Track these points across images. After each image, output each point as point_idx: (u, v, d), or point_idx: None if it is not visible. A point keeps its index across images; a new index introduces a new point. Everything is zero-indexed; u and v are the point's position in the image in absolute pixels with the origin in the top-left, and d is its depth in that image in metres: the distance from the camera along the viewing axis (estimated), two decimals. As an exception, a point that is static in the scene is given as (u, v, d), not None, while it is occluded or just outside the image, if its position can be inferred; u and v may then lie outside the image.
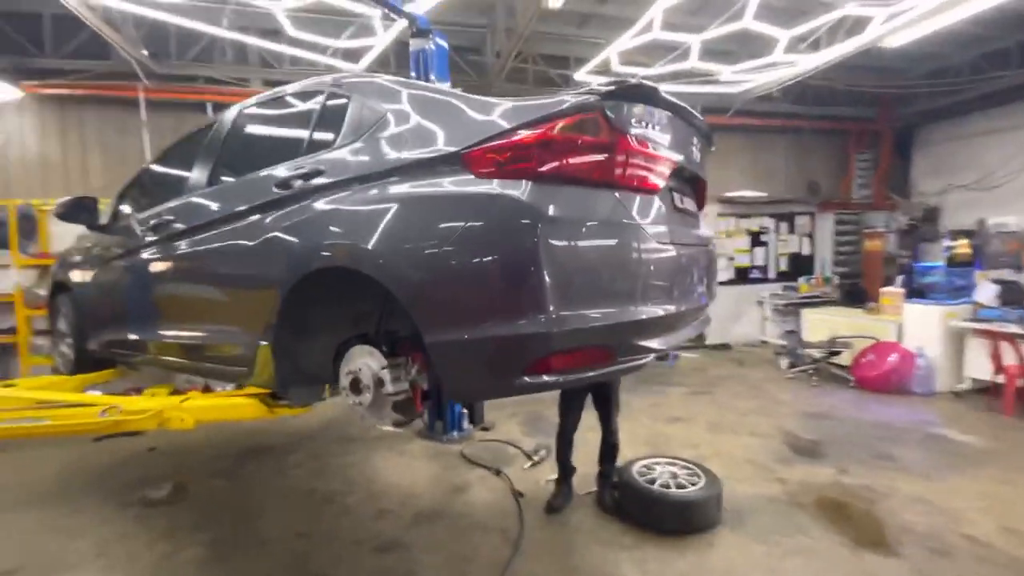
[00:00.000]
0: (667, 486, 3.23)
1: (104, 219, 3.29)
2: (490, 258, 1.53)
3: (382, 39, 5.39)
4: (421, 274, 1.63)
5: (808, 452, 4.27)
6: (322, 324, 2.15)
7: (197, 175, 2.64)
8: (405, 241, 1.67)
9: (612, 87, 1.64)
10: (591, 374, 1.60)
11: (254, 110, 2.62)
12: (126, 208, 3.22)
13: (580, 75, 6.61)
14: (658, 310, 1.73)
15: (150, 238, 2.77)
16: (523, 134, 1.58)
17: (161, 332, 2.79)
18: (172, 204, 2.71)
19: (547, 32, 6.75)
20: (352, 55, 5.94)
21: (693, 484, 3.25)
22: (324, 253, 1.88)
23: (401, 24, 5.08)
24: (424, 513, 3.45)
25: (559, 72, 7.22)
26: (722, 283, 8.96)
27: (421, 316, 1.62)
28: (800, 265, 9.43)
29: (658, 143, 1.84)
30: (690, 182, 2.34)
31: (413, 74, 4.74)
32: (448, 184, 1.64)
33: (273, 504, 3.63)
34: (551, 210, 1.51)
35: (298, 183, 2.04)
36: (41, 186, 6.29)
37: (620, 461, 3.50)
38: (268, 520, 3.40)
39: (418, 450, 4.56)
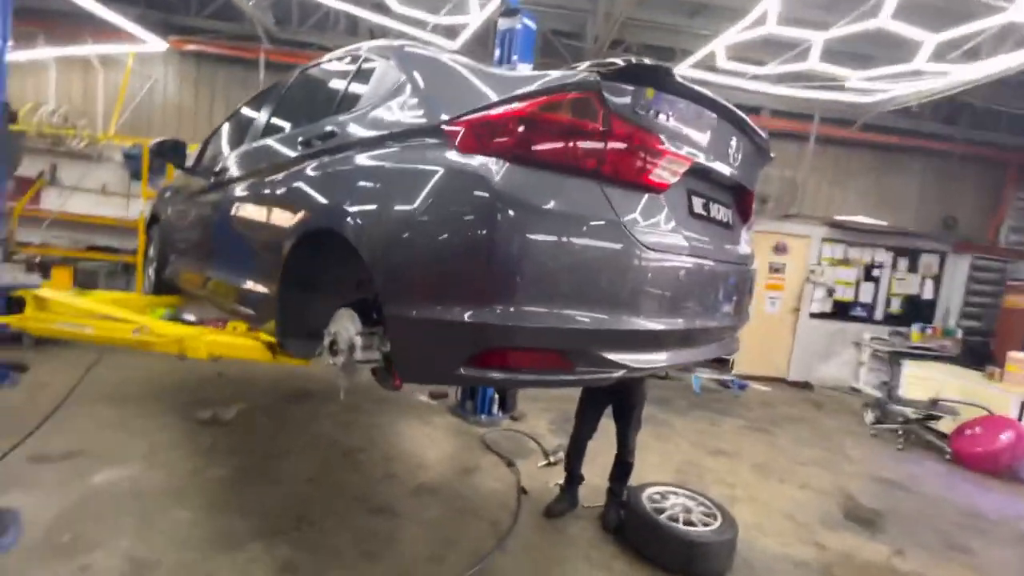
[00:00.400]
0: (675, 519, 2.97)
1: (190, 162, 3.64)
2: (445, 236, 1.44)
3: (476, 17, 5.40)
4: (383, 243, 1.59)
5: (864, 521, 3.71)
6: (330, 284, 2.20)
7: (255, 129, 2.82)
8: (375, 208, 1.64)
9: (617, 66, 1.46)
10: (544, 379, 1.47)
11: (309, 72, 2.73)
12: (207, 153, 3.54)
13: (682, 69, 6.15)
14: (646, 323, 1.54)
15: (211, 182, 3.02)
16: (505, 109, 1.46)
17: (203, 268, 3.06)
18: (230, 153, 2.93)
19: (653, 21, 6.37)
20: (451, 32, 6.02)
21: (706, 524, 2.96)
22: (316, 214, 1.92)
23: (494, 3, 5.06)
24: (427, 486, 3.49)
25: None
26: (815, 315, 8.09)
27: (382, 285, 1.59)
28: (917, 310, 8.20)
29: (673, 137, 1.62)
30: (731, 191, 2.07)
31: (497, 52, 4.71)
32: (426, 155, 1.57)
33: (299, 447, 3.87)
34: (518, 194, 1.38)
35: (318, 143, 2.09)
36: (176, 129, 7.14)
37: (636, 482, 3.29)
38: (289, 461, 3.64)
39: (444, 425, 4.62)
